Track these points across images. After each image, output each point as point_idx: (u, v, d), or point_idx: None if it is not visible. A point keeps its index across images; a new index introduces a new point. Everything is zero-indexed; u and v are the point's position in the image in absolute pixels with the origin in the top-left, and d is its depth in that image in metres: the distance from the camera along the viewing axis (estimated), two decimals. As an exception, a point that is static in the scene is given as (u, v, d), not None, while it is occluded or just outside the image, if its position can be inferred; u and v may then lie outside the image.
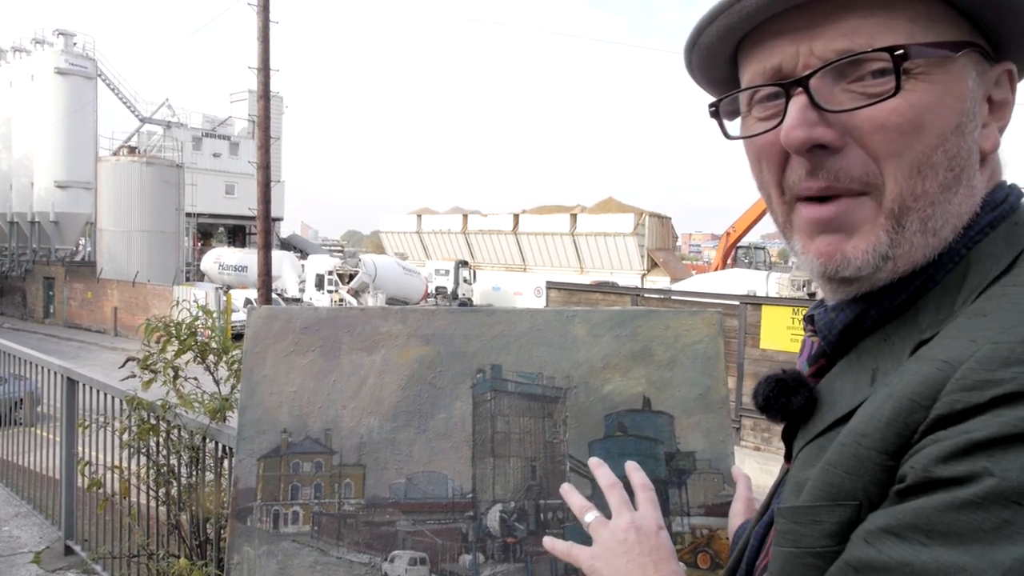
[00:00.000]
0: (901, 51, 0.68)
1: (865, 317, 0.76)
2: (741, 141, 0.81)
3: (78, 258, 42.87)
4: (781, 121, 0.73)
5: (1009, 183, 0.78)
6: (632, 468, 1.11)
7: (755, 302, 12.70)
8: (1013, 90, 0.77)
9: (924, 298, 0.72)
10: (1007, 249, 0.71)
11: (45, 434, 6.05)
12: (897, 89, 0.68)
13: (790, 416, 0.80)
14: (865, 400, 0.69)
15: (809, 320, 0.85)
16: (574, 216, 41.06)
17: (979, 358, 0.59)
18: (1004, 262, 0.69)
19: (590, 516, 1.04)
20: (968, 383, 0.58)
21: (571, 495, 1.11)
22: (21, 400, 6.40)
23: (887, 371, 0.70)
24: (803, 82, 0.71)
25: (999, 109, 0.76)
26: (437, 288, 37.49)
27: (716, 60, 0.83)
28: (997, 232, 0.72)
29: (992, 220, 0.73)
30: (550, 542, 1.08)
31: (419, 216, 49.22)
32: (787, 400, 0.79)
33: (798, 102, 0.72)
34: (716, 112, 0.84)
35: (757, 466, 10.76)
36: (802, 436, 0.79)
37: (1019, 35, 0.74)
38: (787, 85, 0.73)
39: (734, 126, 0.84)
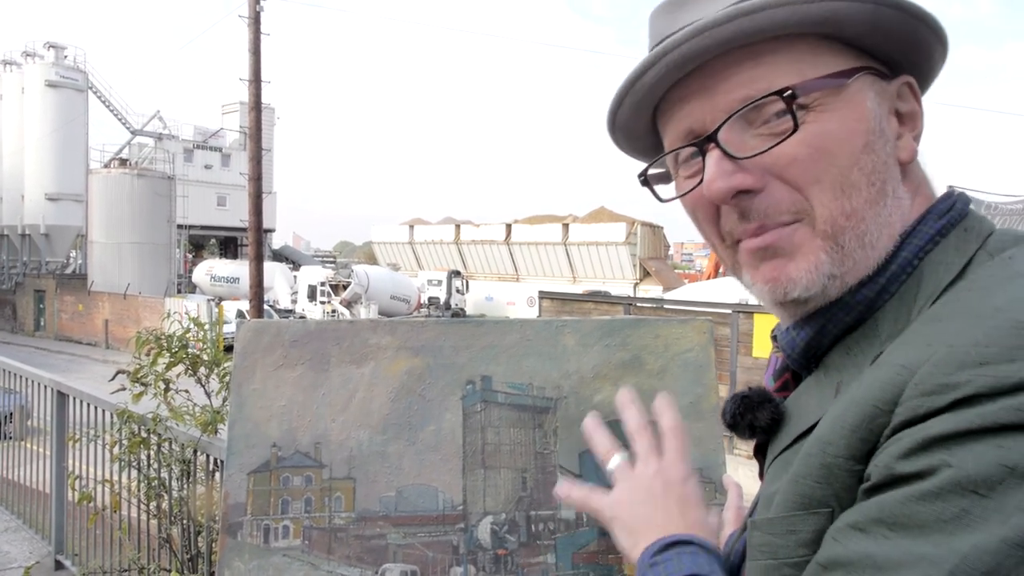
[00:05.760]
0: (789, 91, 0.73)
1: (824, 332, 0.77)
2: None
3: (69, 271, 42.70)
4: (703, 177, 0.78)
5: (957, 191, 0.80)
6: (663, 406, 1.04)
7: (747, 310, 12.71)
8: (918, 100, 0.81)
9: (882, 310, 0.74)
10: (958, 256, 0.73)
11: (35, 448, 6.01)
12: (795, 125, 0.73)
13: (757, 432, 0.82)
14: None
15: (775, 338, 0.87)
16: (566, 226, 41.16)
17: (936, 362, 0.60)
18: (956, 268, 0.71)
19: (615, 461, 1.01)
20: (927, 388, 0.60)
21: (596, 432, 1.06)
22: (11, 414, 6.36)
23: (850, 383, 0.71)
24: (712, 137, 0.76)
25: (909, 120, 0.80)
26: (430, 299, 37.41)
27: (638, 133, 0.88)
28: (947, 240, 0.74)
29: (941, 228, 0.75)
30: (566, 489, 1.05)
31: (411, 226, 49.27)
32: (753, 417, 0.81)
33: (712, 156, 0.76)
34: (646, 181, 0.89)
35: (751, 474, 10.66)
36: (771, 452, 0.80)
37: (904, 53, 0.79)
38: (699, 143, 0.78)
39: (670, 189, 0.89)
